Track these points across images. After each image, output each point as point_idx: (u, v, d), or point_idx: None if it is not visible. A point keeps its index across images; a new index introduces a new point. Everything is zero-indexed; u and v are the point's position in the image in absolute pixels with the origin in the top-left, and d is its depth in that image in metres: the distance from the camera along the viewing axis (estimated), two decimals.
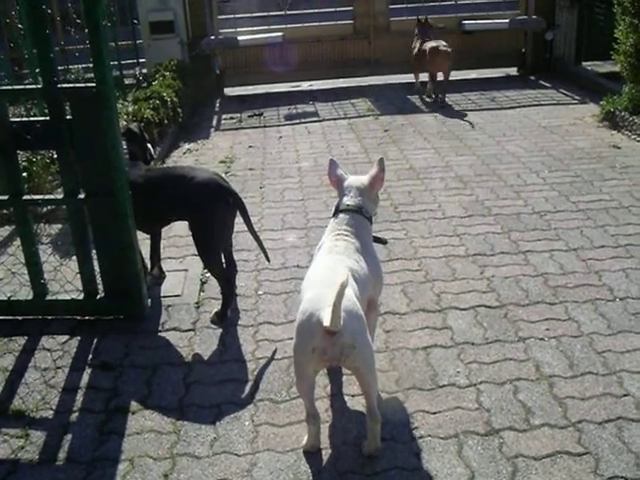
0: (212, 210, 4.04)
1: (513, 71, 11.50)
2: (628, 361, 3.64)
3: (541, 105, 9.36)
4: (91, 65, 3.76)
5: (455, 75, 9.82)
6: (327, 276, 2.96)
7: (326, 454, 3.10)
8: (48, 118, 3.93)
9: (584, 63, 10.59)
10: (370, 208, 3.46)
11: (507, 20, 10.93)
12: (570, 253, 4.84)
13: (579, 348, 3.77)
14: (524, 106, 9.35)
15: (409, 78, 10.56)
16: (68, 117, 3.91)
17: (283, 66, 10.84)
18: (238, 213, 4.19)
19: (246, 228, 4.24)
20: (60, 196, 4.27)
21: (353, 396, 3.46)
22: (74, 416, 3.44)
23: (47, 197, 4.64)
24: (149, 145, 4.66)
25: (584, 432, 3.15)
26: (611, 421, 3.22)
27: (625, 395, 3.40)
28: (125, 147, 4.22)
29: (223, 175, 4.55)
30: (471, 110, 9.30)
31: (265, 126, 9.21)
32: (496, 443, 3.11)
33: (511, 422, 3.24)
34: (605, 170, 6.54)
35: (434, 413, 3.32)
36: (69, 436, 3.31)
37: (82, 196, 4.03)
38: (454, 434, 3.18)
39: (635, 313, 4.07)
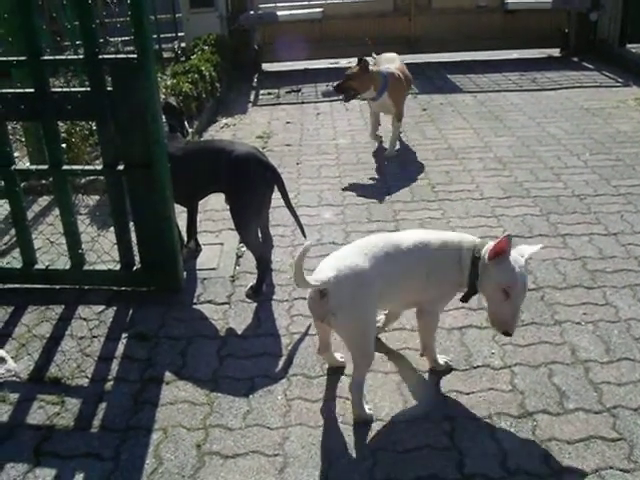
0: (250, 184, 4.04)
1: (555, 52, 11.32)
2: None
3: (583, 87, 9.20)
4: (130, 38, 3.76)
5: (496, 55, 9.66)
6: (361, 242, 3.15)
7: (358, 430, 3.11)
8: (89, 89, 3.94)
9: (629, 45, 10.38)
10: None
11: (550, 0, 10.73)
12: (610, 237, 4.77)
13: (616, 333, 3.72)
14: (566, 87, 9.19)
15: (450, 57, 10.42)
16: (108, 89, 3.92)
17: (322, 42, 10.77)
18: (275, 188, 4.19)
19: (283, 203, 4.24)
20: (99, 167, 4.29)
21: (387, 374, 3.46)
22: (109, 385, 3.48)
23: (86, 167, 4.68)
24: (185, 121, 4.68)
25: (619, 418, 3.11)
26: None
27: None
28: (164, 120, 4.23)
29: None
30: (511, 90, 9.17)
31: (303, 102, 9.18)
32: (529, 425, 3.09)
33: (545, 405, 3.21)
34: None
35: (468, 394, 3.31)
36: (104, 404, 3.34)
37: (121, 167, 4.04)
38: (487, 415, 3.16)
39: None
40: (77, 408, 3.33)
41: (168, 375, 3.53)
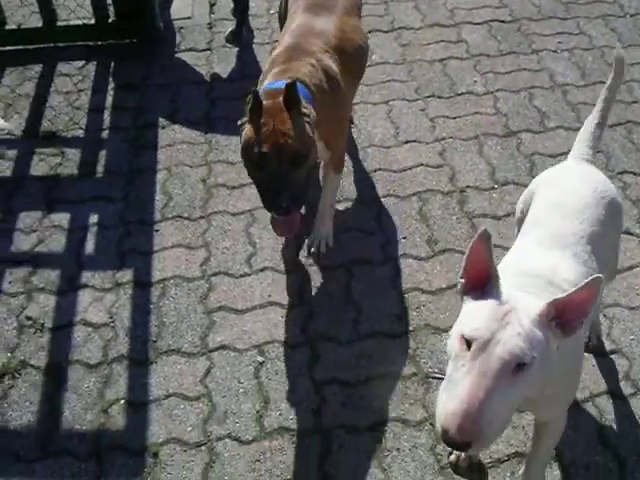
0: None
1: None
2: (637, 72, 3.76)
3: None
4: None
5: None
6: None
7: (356, 155, 3.28)
8: None
9: None
10: None
11: None
12: None
13: (590, 60, 3.86)
14: None
15: None
16: None
17: None
18: None
19: None
20: None
21: (375, 104, 3.59)
22: (105, 133, 3.55)
23: None
24: None
25: None
26: (621, 124, 3.42)
27: (634, 102, 3.57)
28: None
29: None
30: None
31: None
32: (514, 143, 3.29)
33: (527, 125, 3.41)
34: None
35: (454, 118, 3.48)
36: (103, 151, 3.44)
37: None
38: (474, 136, 3.36)
39: None
40: (78, 157, 3.42)
41: (162, 120, 3.60)
